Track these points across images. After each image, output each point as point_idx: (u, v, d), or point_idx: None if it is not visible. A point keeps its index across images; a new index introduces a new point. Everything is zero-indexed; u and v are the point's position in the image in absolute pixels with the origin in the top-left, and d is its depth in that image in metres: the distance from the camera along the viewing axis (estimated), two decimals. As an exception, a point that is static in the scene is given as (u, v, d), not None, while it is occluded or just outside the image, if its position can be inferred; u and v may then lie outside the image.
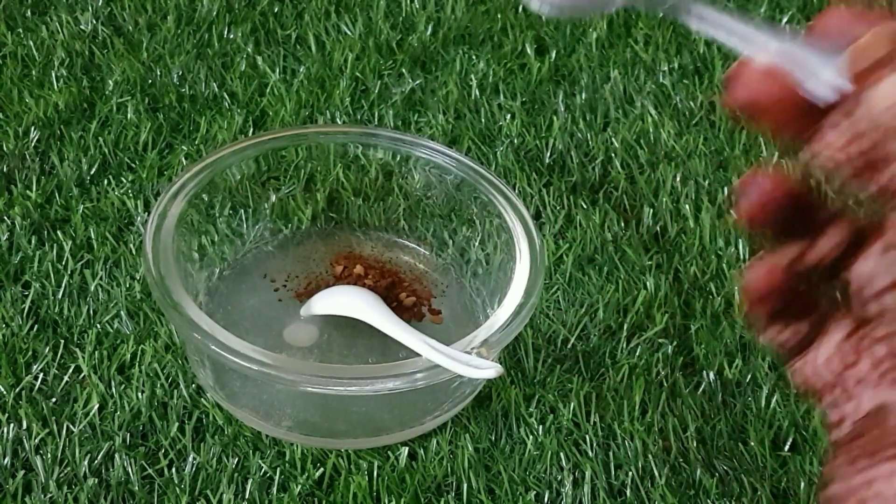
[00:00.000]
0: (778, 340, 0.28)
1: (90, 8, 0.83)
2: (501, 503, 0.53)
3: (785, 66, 0.26)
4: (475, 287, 0.62)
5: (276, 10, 0.86)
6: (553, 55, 0.84)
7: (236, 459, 0.53)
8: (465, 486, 0.53)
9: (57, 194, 0.67)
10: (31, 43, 0.79)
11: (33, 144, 0.70)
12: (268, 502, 0.52)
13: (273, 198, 0.64)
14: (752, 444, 0.56)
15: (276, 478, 0.53)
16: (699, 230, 0.69)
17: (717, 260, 0.67)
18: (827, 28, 0.25)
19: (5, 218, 0.65)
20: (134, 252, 0.63)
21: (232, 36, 0.83)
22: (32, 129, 0.71)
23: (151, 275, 0.52)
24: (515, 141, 0.75)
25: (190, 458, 0.53)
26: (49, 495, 0.51)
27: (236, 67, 0.79)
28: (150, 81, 0.77)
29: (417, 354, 0.50)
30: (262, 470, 0.53)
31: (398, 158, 0.63)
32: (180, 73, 0.78)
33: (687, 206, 0.71)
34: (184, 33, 0.82)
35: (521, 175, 0.72)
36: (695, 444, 0.56)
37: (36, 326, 0.59)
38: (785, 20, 0.91)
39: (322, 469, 0.53)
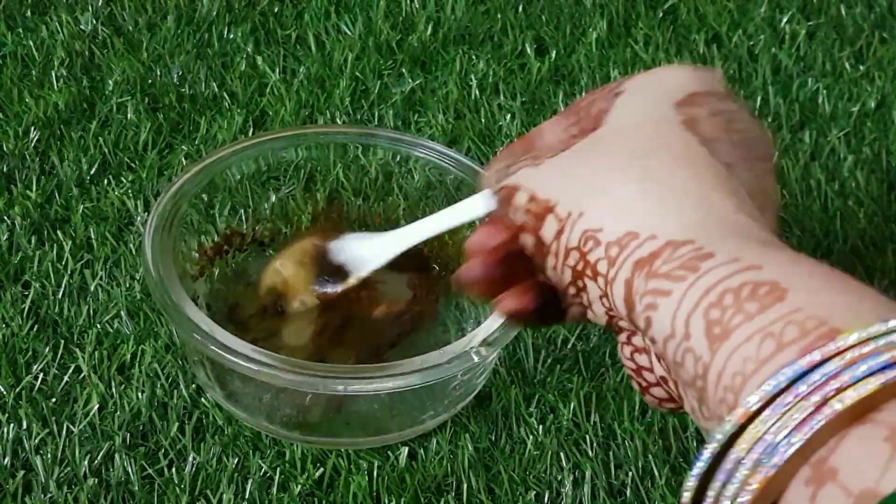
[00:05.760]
0: None
1: (90, 8, 0.83)
2: (501, 503, 0.53)
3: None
4: (475, 287, 0.62)
5: (276, 10, 0.86)
6: (553, 55, 0.84)
7: (236, 459, 0.53)
8: (465, 486, 0.53)
9: (57, 194, 0.67)
10: (31, 43, 0.79)
11: (33, 144, 0.70)
12: (268, 502, 0.52)
13: (273, 198, 0.64)
14: (752, 444, 0.56)
15: (276, 478, 0.53)
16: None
17: (717, 260, 0.67)
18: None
19: (5, 218, 0.65)
20: (134, 252, 0.63)
21: (232, 36, 0.83)
22: (32, 129, 0.71)
23: (151, 275, 0.52)
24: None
25: (190, 458, 0.53)
26: (49, 495, 0.51)
27: (236, 67, 0.79)
28: (150, 81, 0.77)
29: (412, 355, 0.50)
30: (262, 470, 0.53)
31: (398, 158, 0.63)
32: (180, 73, 0.78)
33: (687, 206, 0.71)
34: (184, 33, 0.82)
35: (521, 175, 0.72)
36: (695, 445, 0.56)
37: (36, 326, 0.59)
38: (785, 20, 0.91)
39: (322, 469, 0.53)
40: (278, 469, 0.53)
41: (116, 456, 0.53)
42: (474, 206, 0.47)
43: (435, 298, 0.62)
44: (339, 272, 0.56)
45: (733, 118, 0.36)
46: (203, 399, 0.56)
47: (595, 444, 0.56)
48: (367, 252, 0.55)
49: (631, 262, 0.31)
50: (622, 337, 0.35)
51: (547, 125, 0.41)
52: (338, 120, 0.76)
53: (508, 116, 0.78)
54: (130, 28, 0.82)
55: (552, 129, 0.40)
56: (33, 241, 0.63)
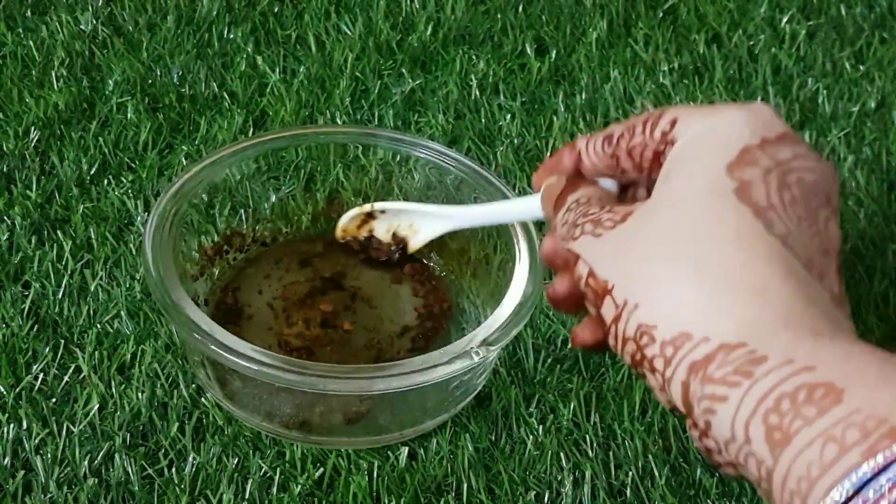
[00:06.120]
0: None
1: (90, 8, 0.83)
2: (501, 503, 0.53)
3: (492, 218, 0.55)
4: (475, 287, 0.62)
5: (276, 10, 0.86)
6: (553, 55, 0.84)
7: (236, 459, 0.53)
8: (465, 486, 0.53)
9: (57, 194, 0.67)
10: (31, 43, 0.79)
11: (33, 144, 0.70)
12: (268, 502, 0.52)
13: (273, 198, 0.64)
14: (752, 444, 0.56)
15: (276, 478, 0.53)
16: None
17: (717, 260, 0.67)
18: (538, 181, 0.44)
19: (5, 218, 0.65)
20: (134, 252, 0.63)
21: (232, 36, 0.83)
22: (32, 129, 0.71)
23: (151, 275, 0.52)
24: (515, 141, 0.75)
25: (190, 458, 0.53)
26: (49, 495, 0.51)
27: (236, 67, 0.79)
28: (150, 81, 0.77)
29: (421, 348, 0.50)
30: (262, 470, 0.53)
31: (398, 158, 0.63)
32: (180, 73, 0.78)
33: (687, 206, 0.71)
34: (184, 33, 0.82)
35: (521, 175, 0.72)
36: (695, 444, 0.56)
37: (36, 326, 0.59)
38: (785, 20, 0.91)
39: (322, 469, 0.53)
40: (278, 469, 0.53)
41: (116, 456, 0.53)
42: (533, 209, 0.47)
43: (446, 311, 0.62)
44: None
45: (789, 168, 0.35)
46: (203, 399, 0.56)
47: (595, 444, 0.56)
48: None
49: (686, 365, 0.32)
50: (690, 421, 0.34)
51: (590, 147, 0.41)
52: (338, 120, 0.76)
53: (508, 116, 0.78)
54: (130, 28, 0.82)
55: (594, 156, 0.41)
56: (33, 241, 0.63)
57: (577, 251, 0.37)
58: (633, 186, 0.42)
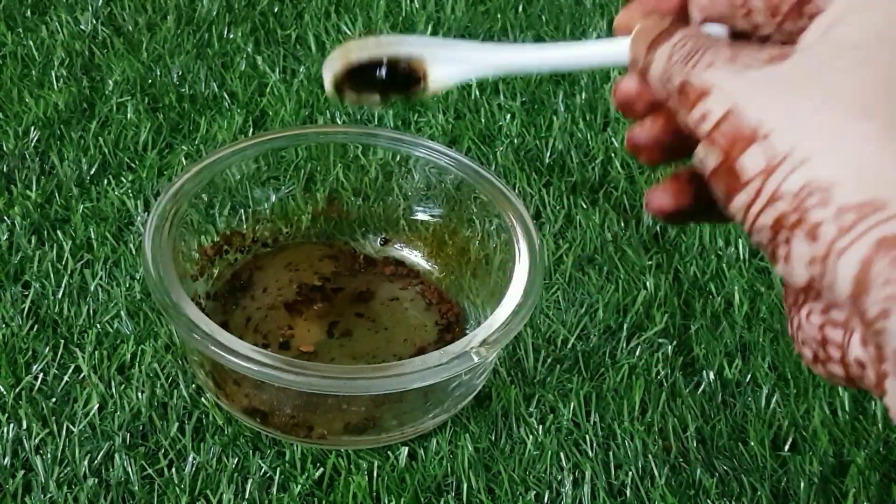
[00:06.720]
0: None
1: (90, 8, 0.83)
2: (501, 503, 0.53)
3: (552, 64, 0.37)
4: (475, 287, 0.62)
5: (276, 10, 0.86)
6: (553, 55, 0.84)
7: (236, 459, 0.53)
8: (465, 486, 0.53)
9: (57, 194, 0.67)
10: (31, 43, 0.79)
11: (33, 144, 0.70)
12: (268, 502, 0.52)
13: (273, 198, 0.64)
14: (752, 444, 0.56)
15: (276, 478, 0.53)
16: (699, 230, 0.69)
17: (716, 260, 0.67)
18: (625, 21, 0.34)
19: (5, 218, 0.65)
20: (134, 252, 0.63)
21: (232, 36, 0.83)
22: (32, 129, 0.71)
23: (151, 275, 0.52)
24: (515, 141, 0.75)
25: (190, 458, 0.53)
26: (49, 495, 0.51)
27: (236, 67, 0.79)
28: (150, 81, 0.77)
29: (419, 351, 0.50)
30: (262, 470, 0.53)
31: (398, 158, 0.63)
32: (180, 73, 0.78)
33: (687, 206, 0.71)
34: (184, 33, 0.82)
35: (521, 175, 0.72)
36: (695, 444, 0.56)
37: (36, 326, 0.59)
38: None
39: (322, 469, 0.53)
40: (278, 469, 0.53)
41: (116, 456, 0.53)
42: (619, 52, 0.35)
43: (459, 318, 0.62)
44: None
45: None
46: (203, 399, 0.56)
47: (595, 444, 0.56)
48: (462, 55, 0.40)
49: (873, 239, 0.26)
50: (818, 305, 0.29)
51: None
52: (338, 120, 0.76)
53: (508, 116, 0.78)
54: (130, 28, 0.82)
55: None
56: (33, 241, 0.63)
57: (707, 82, 0.29)
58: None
